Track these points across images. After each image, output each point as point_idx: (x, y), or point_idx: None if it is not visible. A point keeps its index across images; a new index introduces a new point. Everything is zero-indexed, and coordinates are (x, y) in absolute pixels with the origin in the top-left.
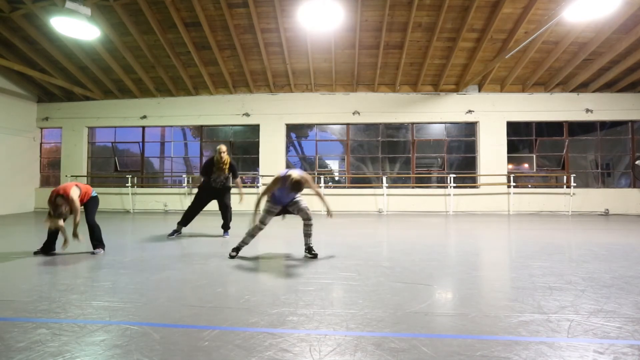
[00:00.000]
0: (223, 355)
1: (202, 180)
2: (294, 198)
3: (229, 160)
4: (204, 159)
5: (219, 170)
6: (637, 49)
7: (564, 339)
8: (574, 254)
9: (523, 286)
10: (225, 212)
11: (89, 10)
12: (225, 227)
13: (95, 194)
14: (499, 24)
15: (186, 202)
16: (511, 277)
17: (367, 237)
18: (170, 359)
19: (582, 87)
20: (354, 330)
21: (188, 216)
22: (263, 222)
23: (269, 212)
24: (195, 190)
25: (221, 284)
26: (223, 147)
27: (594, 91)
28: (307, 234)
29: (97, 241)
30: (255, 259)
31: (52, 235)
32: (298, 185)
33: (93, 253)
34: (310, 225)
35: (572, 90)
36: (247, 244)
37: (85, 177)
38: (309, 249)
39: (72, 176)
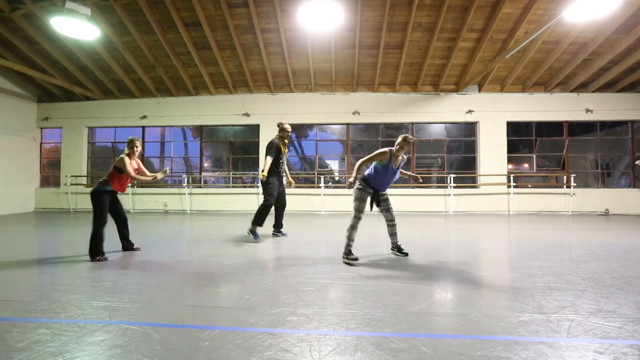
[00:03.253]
0: (223, 355)
1: (270, 167)
2: (385, 193)
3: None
4: (204, 159)
5: (284, 147)
6: (637, 49)
7: (564, 339)
8: (574, 254)
9: (523, 286)
10: (283, 209)
11: (89, 10)
12: (280, 225)
13: None
14: (499, 24)
15: (186, 201)
16: (511, 277)
17: (367, 237)
18: (170, 359)
19: (582, 87)
20: (354, 330)
21: (267, 213)
22: (361, 211)
23: (363, 200)
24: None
25: (221, 284)
26: (288, 126)
27: (594, 91)
28: (393, 234)
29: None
30: (255, 259)
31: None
32: (407, 145)
33: (138, 249)
34: (394, 225)
35: (572, 90)
36: (354, 239)
37: (85, 177)
38: (397, 248)
39: (72, 176)
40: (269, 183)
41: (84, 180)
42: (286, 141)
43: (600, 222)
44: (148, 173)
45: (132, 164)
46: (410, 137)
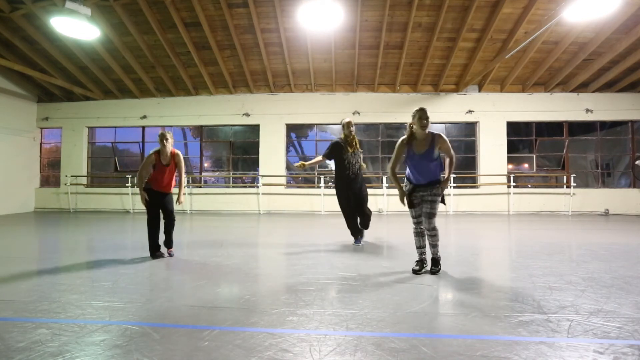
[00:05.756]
0: (223, 355)
1: (333, 170)
2: (430, 190)
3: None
4: (204, 159)
5: (350, 148)
6: (637, 49)
7: (564, 339)
8: (574, 254)
9: (523, 286)
10: (362, 213)
11: (89, 10)
12: (359, 230)
13: None
14: (499, 24)
15: (186, 201)
16: (511, 277)
17: (367, 236)
18: (170, 359)
19: (582, 87)
20: (354, 330)
21: (349, 221)
22: (414, 217)
23: (413, 204)
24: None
25: (221, 284)
26: (349, 119)
27: (594, 91)
28: (431, 244)
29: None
30: (255, 259)
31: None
32: (425, 113)
33: (169, 255)
34: (433, 236)
35: (572, 90)
36: (418, 247)
37: (85, 177)
38: (434, 261)
39: (72, 176)
40: (336, 189)
41: (84, 180)
42: (353, 138)
43: (600, 222)
44: (183, 177)
45: (160, 162)
46: (420, 109)
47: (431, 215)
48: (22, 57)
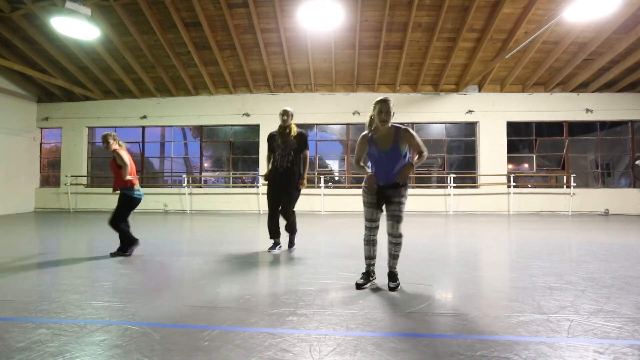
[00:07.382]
0: (223, 355)
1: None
2: (397, 190)
3: (295, 129)
4: (204, 159)
5: (283, 139)
6: (637, 49)
7: (564, 339)
8: (574, 254)
9: (523, 286)
10: (285, 213)
11: (89, 10)
12: (278, 233)
13: (138, 194)
14: (499, 24)
15: (186, 202)
16: (511, 277)
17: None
18: (170, 359)
19: (582, 87)
20: (354, 330)
21: (269, 220)
22: (368, 219)
23: (370, 205)
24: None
25: (221, 284)
26: (288, 108)
27: (594, 91)
28: (390, 254)
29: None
30: (256, 259)
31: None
32: (385, 106)
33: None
34: (394, 244)
35: (572, 90)
36: (367, 257)
37: (85, 177)
38: (391, 275)
39: (72, 176)
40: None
41: (84, 181)
42: (290, 129)
43: (600, 222)
44: (126, 174)
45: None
46: (381, 100)
47: (398, 219)
48: (22, 57)
